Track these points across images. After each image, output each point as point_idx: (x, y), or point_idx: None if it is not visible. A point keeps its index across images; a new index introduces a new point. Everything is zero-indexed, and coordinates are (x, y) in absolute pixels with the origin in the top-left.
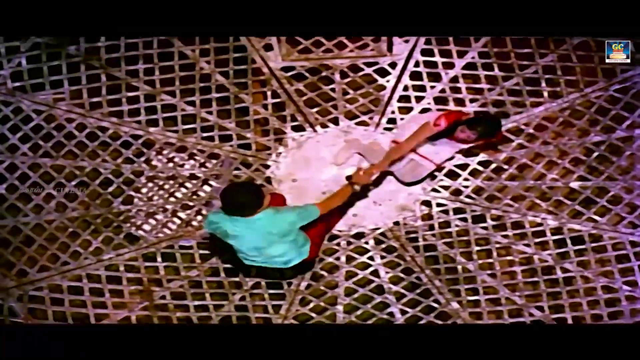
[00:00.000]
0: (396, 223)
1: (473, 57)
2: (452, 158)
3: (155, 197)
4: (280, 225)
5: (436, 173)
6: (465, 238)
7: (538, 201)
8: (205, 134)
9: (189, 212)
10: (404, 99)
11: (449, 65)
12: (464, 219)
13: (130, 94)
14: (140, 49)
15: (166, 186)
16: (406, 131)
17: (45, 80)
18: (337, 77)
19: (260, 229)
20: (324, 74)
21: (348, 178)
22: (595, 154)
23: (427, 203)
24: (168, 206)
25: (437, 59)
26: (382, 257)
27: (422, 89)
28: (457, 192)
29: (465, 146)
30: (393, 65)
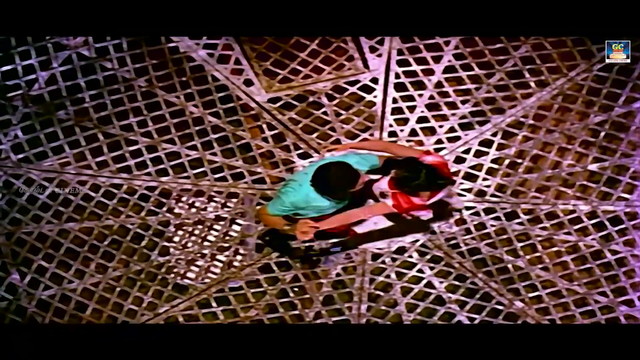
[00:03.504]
0: (432, 232)
1: (450, 61)
2: None
3: (190, 244)
4: None
5: (455, 177)
6: (504, 236)
7: (563, 189)
8: (217, 175)
9: (227, 253)
10: (397, 110)
11: (429, 72)
12: (497, 218)
13: (131, 148)
14: (126, 103)
15: (196, 231)
16: None
17: (46, 148)
18: (324, 100)
19: None
20: (311, 99)
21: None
22: (602, 133)
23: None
24: (205, 251)
25: (415, 67)
26: (431, 268)
27: (411, 98)
28: (480, 193)
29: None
30: (375, 80)
